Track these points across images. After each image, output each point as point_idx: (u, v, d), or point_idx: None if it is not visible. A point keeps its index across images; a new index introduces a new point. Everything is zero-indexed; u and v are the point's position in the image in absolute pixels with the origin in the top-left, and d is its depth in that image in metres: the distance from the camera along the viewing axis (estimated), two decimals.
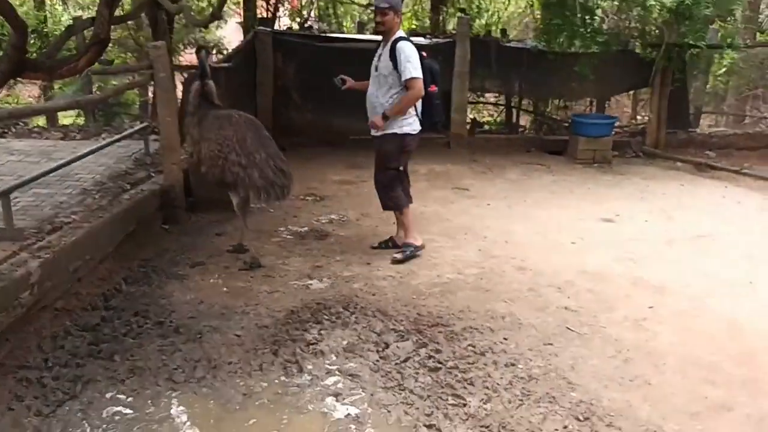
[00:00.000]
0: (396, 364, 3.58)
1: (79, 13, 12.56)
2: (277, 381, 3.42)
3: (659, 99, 9.43)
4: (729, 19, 9.80)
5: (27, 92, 14.08)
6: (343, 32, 13.35)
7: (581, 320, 4.15)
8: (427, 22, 12.87)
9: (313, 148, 8.74)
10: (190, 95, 5.04)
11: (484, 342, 3.82)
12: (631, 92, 12.04)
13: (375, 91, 4.97)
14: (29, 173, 5.19)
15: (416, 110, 4.97)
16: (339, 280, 4.69)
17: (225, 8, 11.85)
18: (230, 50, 11.04)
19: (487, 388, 3.36)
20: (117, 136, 6.72)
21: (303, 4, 14.07)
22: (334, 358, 3.65)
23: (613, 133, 9.34)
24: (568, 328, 4.03)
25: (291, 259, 5.07)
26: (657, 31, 9.47)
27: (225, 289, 4.53)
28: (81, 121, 10.56)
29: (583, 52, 9.43)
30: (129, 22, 10.94)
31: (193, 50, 9.72)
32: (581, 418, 3.12)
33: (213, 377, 3.43)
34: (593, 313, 4.26)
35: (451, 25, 11.67)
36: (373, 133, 5.06)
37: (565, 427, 3.06)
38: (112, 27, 6.56)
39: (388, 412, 3.17)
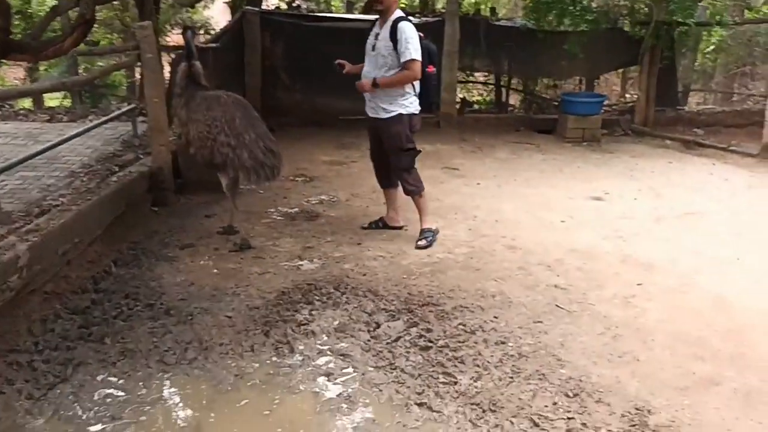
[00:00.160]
0: (387, 343, 3.59)
1: None
2: (268, 362, 3.43)
3: (648, 77, 9.45)
4: None
5: (12, 74, 13.94)
6: (331, 12, 13.24)
7: (571, 298, 4.18)
8: (416, 0, 12.77)
9: (302, 128, 8.71)
10: (177, 76, 5.00)
11: (475, 321, 3.84)
12: (620, 71, 12.04)
13: (372, 70, 4.90)
14: (16, 156, 5.13)
15: (414, 90, 4.93)
16: (330, 260, 4.70)
17: None
18: (218, 30, 10.93)
19: (478, 366, 3.38)
20: (104, 118, 6.66)
21: None
22: (326, 338, 3.66)
23: (602, 111, 9.35)
24: (558, 306, 4.06)
25: (281, 240, 5.06)
26: (646, 8, 9.46)
27: (215, 270, 4.53)
28: (67, 103, 10.47)
29: (572, 30, 9.42)
30: (115, 2, 10.80)
31: (180, 31, 9.62)
32: (570, 394, 3.15)
33: (204, 359, 3.44)
34: (582, 290, 4.29)
35: (440, 4, 11.63)
36: (370, 114, 5.00)
37: (555, 403, 3.09)
38: (98, 7, 6.47)
39: (380, 391, 3.19)
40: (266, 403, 3.11)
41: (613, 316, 3.95)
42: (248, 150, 4.62)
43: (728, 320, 3.95)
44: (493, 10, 10.91)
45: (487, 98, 11.33)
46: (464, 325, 3.77)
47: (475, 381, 3.25)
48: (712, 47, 10.62)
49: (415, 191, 5.09)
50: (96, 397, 3.12)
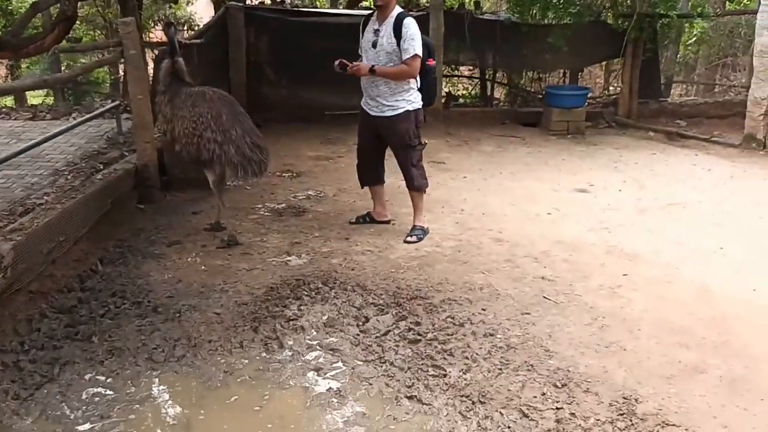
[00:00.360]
0: (376, 337, 3.60)
1: None
2: (258, 357, 3.43)
3: (631, 69, 9.50)
4: None
5: None
6: (316, 6, 13.20)
7: (557, 289, 4.21)
8: None
9: (288, 124, 8.67)
10: (161, 73, 4.95)
11: (463, 313, 3.85)
12: (604, 63, 12.10)
13: None
14: None
15: (417, 84, 4.89)
16: (318, 255, 4.70)
17: None
18: (201, 26, 10.85)
19: (467, 358, 3.40)
20: (88, 116, 6.62)
21: None
22: (315, 333, 3.66)
23: (586, 104, 9.40)
24: (545, 298, 4.09)
25: (269, 236, 5.05)
26: (628, 1, 9.51)
27: (203, 267, 4.51)
28: (50, 100, 10.37)
29: (556, 23, 9.44)
30: None
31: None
32: (559, 384, 3.18)
33: (193, 356, 3.43)
34: (569, 282, 4.32)
35: None
36: (371, 112, 4.93)
37: (544, 394, 3.11)
38: (79, 3, 6.41)
39: (370, 384, 3.20)
40: (256, 399, 3.11)
41: (599, 306, 3.99)
42: (235, 146, 4.59)
43: (712, 309, 3.99)
44: (477, 3, 10.88)
45: (472, 92, 11.34)
46: (453, 318, 3.79)
47: (464, 373, 3.27)
48: (693, 39, 10.70)
49: (420, 187, 5.09)
50: (84, 397, 3.11)
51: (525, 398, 3.08)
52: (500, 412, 2.98)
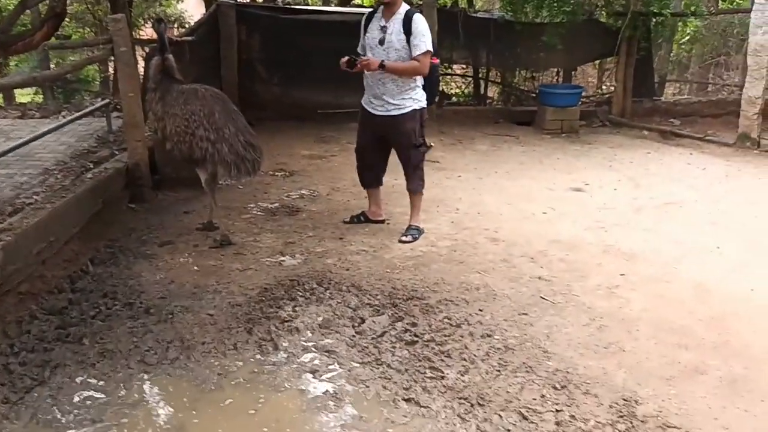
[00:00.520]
0: (372, 338, 3.55)
1: None
2: (252, 359, 3.37)
3: (625, 68, 9.50)
4: None
5: None
6: (308, 4, 13.13)
7: (555, 289, 4.17)
8: None
9: (280, 122, 8.59)
10: (151, 71, 4.88)
11: (460, 314, 3.81)
12: (597, 62, 12.10)
13: None
14: None
15: (421, 82, 4.83)
16: (312, 255, 4.64)
17: None
18: (192, 24, 10.76)
19: (464, 359, 3.35)
20: (77, 114, 6.53)
21: None
22: (310, 334, 3.61)
23: (580, 102, 9.38)
24: (543, 298, 4.05)
25: (262, 236, 4.99)
26: None
27: (195, 267, 4.44)
28: (39, 98, 10.26)
29: (549, 21, 9.42)
30: None
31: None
32: (558, 386, 3.14)
33: (186, 358, 3.37)
34: (566, 282, 4.28)
35: None
36: (375, 111, 4.83)
37: (543, 395, 3.07)
38: (69, 0, 6.32)
39: (367, 387, 3.15)
40: (251, 402, 3.05)
41: (597, 306, 3.95)
42: (228, 144, 4.53)
43: (710, 309, 3.97)
44: (470, 1, 10.87)
45: (466, 91, 11.31)
46: (449, 319, 3.74)
47: (462, 375, 3.22)
48: (687, 38, 10.70)
49: (420, 188, 5.03)
50: (75, 400, 3.04)
51: (524, 400, 3.04)
52: (499, 415, 2.94)
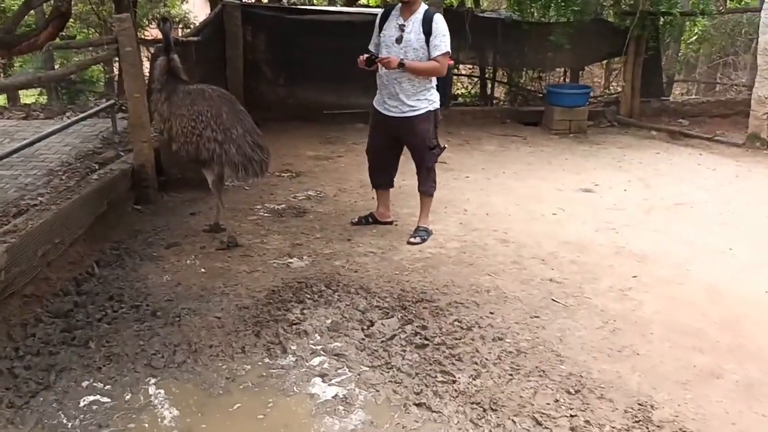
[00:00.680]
0: (382, 341, 3.50)
1: None
2: (260, 363, 3.33)
3: (633, 68, 9.42)
4: None
5: None
6: (313, 4, 13.09)
7: (566, 292, 4.11)
8: None
9: (286, 123, 8.54)
10: (156, 71, 4.82)
11: (470, 317, 3.76)
12: (604, 62, 12.02)
13: None
14: None
15: (435, 83, 4.78)
16: (320, 257, 4.59)
17: None
18: (198, 24, 10.72)
19: (476, 363, 3.30)
20: (82, 115, 6.49)
21: None
22: (319, 337, 3.56)
23: (588, 102, 9.31)
24: (554, 300, 3.99)
25: (269, 238, 4.94)
26: None
27: (202, 270, 4.40)
28: (44, 99, 10.24)
29: (556, 21, 9.36)
30: None
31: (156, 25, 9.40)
32: (572, 391, 3.08)
33: (194, 361, 3.32)
34: (578, 284, 4.23)
35: None
36: (389, 113, 4.76)
37: (557, 400, 3.02)
38: (74, 1, 6.29)
39: (377, 391, 3.10)
40: (259, 407, 3.01)
41: (610, 309, 3.89)
42: (236, 145, 4.47)
43: (724, 310, 3.92)
44: (477, 1, 10.81)
45: (472, 91, 11.25)
46: (460, 322, 3.69)
47: (474, 379, 3.17)
48: (695, 37, 10.63)
49: (433, 190, 5.00)
50: (81, 404, 3.00)
51: (538, 405, 2.99)
52: (513, 420, 2.88)
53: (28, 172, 5.37)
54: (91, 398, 3.04)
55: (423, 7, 4.64)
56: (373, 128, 5.02)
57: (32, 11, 7.09)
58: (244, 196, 5.89)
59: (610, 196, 6.14)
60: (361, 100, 8.00)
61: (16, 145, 5.14)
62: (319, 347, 3.46)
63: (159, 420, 2.94)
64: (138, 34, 7.35)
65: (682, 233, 5.16)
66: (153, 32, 12.56)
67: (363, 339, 3.53)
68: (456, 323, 3.68)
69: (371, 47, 4.84)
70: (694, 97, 11.51)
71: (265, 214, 5.49)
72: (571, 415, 2.91)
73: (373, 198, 5.34)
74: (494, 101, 10.69)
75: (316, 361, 3.35)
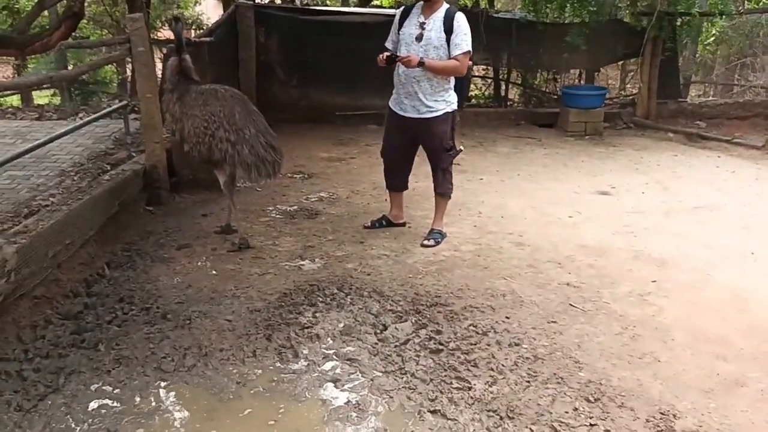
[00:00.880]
0: (395, 346, 3.43)
1: None
2: (271, 367, 3.26)
3: (650, 69, 9.31)
4: None
5: (0, 74, 13.76)
6: (327, 5, 13.06)
7: (584, 296, 4.02)
8: None
9: (299, 124, 8.50)
10: (168, 71, 4.78)
11: (486, 321, 3.68)
12: (620, 63, 11.89)
13: None
14: (4, 155, 4.96)
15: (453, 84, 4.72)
16: (332, 260, 4.52)
17: None
18: (211, 24, 10.71)
19: (492, 369, 3.22)
20: (95, 115, 6.45)
21: None
22: (331, 341, 3.49)
23: (603, 104, 9.20)
24: (572, 305, 3.90)
25: (281, 240, 4.88)
26: None
27: (213, 272, 4.34)
28: (57, 100, 10.25)
29: (572, 21, 9.25)
30: None
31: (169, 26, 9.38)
32: (591, 399, 3.00)
33: (204, 365, 3.26)
34: (596, 288, 4.13)
35: None
36: (406, 114, 4.68)
37: (576, 408, 2.93)
38: (87, 2, 6.27)
39: (390, 397, 3.03)
40: (271, 412, 2.94)
41: (629, 314, 3.80)
42: (249, 145, 4.41)
43: (747, 316, 3.82)
44: (491, 2, 10.72)
45: (486, 92, 11.16)
46: (475, 327, 3.61)
47: (490, 386, 3.09)
48: (712, 38, 10.48)
49: (449, 192, 4.93)
50: (90, 408, 2.95)
51: (556, 413, 2.90)
52: (530, 429, 2.80)
53: (41, 173, 5.34)
54: (100, 402, 2.99)
55: (444, 6, 4.58)
56: (388, 130, 4.95)
57: (45, 12, 7.08)
58: (255, 197, 5.84)
59: (628, 198, 6.03)
60: (374, 102, 7.96)
61: (29, 146, 5.11)
62: (331, 352, 3.40)
63: (168, 425, 2.88)
64: (151, 34, 7.31)
65: (701, 237, 5.05)
66: (166, 33, 12.57)
67: (376, 343, 3.46)
68: (471, 328, 3.60)
69: (388, 44, 4.78)
70: (711, 98, 11.35)
71: (277, 216, 5.44)
72: (591, 424, 2.83)
73: (386, 200, 5.27)
74: (508, 103, 10.58)
75: (328, 365, 3.28)
